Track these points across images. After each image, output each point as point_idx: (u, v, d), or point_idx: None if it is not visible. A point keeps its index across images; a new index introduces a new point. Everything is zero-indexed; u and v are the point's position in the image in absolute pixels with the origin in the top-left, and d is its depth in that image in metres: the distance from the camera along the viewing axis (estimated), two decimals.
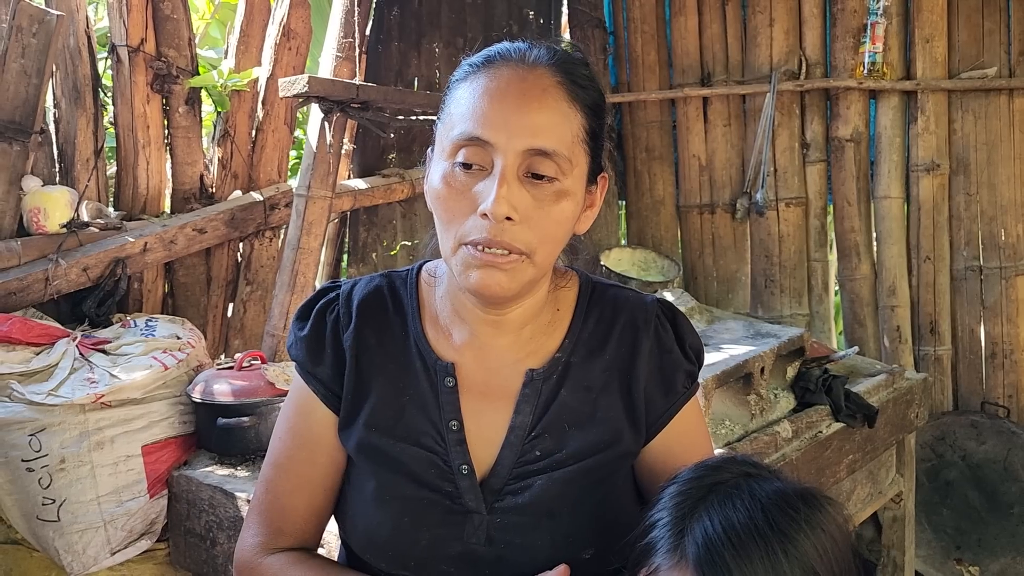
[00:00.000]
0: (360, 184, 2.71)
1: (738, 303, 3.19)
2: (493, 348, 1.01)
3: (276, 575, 1.02)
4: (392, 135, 2.72)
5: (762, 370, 2.05)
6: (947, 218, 2.97)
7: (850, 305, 3.08)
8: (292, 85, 2.01)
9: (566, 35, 3.41)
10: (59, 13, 2.08)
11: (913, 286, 3.01)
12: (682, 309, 2.51)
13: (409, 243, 3.06)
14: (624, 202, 3.39)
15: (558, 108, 0.92)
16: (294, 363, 1.07)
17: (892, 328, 3.00)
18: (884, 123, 2.97)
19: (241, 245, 2.56)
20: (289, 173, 2.66)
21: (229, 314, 2.63)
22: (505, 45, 0.98)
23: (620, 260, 3.04)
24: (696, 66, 3.18)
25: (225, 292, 2.58)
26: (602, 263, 2.92)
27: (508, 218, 0.89)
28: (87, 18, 2.24)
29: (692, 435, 1.08)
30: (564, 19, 3.43)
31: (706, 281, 3.24)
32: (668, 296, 2.62)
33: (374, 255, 2.96)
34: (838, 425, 2.19)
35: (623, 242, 3.37)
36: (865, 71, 2.92)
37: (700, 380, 1.90)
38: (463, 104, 0.93)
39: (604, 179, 1.00)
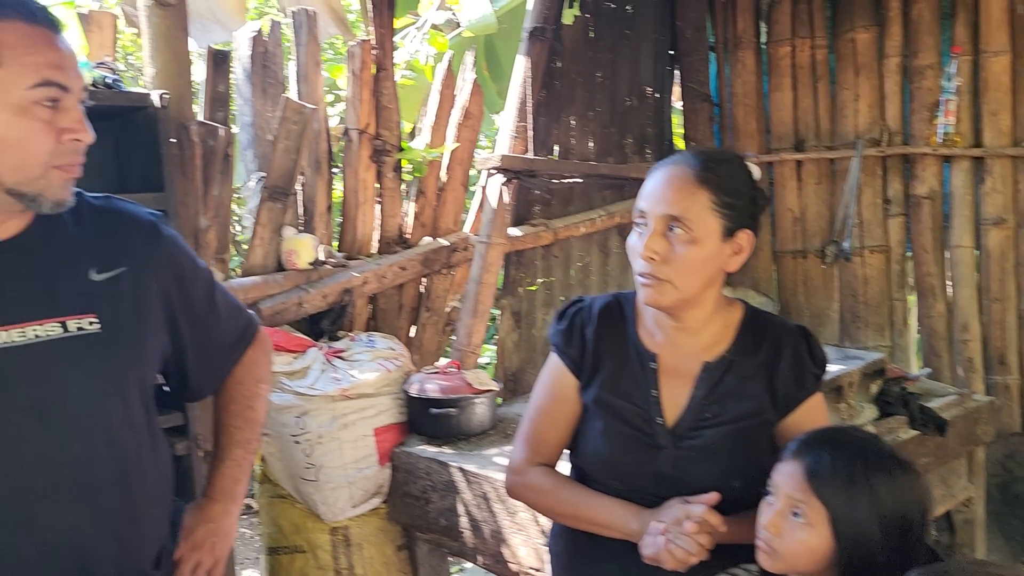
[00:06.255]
0: (516, 232, 3.37)
1: (828, 336, 3.70)
2: (681, 346, 1.53)
3: (534, 479, 1.58)
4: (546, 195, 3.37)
5: (850, 384, 2.59)
6: (1013, 265, 3.43)
7: (928, 339, 3.57)
8: (487, 161, 2.68)
9: (678, 105, 4.02)
10: (312, 106, 2.81)
11: (984, 323, 3.47)
12: None
13: (545, 280, 3.69)
14: None
15: (687, 189, 1.41)
16: (552, 346, 1.62)
17: (965, 359, 3.47)
18: (956, 183, 3.47)
19: (424, 280, 3.24)
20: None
21: (411, 335, 3.30)
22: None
23: None
24: (791, 134, 3.75)
25: (409, 317, 3.26)
26: None
27: (652, 258, 1.42)
28: (324, 108, 2.97)
29: (814, 418, 1.50)
30: (677, 94, 4.05)
31: (799, 316, 3.77)
32: None
33: (520, 289, 3.60)
34: (913, 432, 2.69)
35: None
36: (939, 140, 3.44)
37: None
38: (644, 188, 1.48)
39: (746, 233, 1.48)
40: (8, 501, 1.16)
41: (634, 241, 1.47)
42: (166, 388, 1.51)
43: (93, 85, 2.03)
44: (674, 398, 1.52)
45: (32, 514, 1.17)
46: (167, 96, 2.07)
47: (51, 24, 1.15)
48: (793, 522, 1.31)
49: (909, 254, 3.62)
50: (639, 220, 1.47)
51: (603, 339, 1.56)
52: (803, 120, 3.72)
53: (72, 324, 1.21)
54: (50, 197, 1.15)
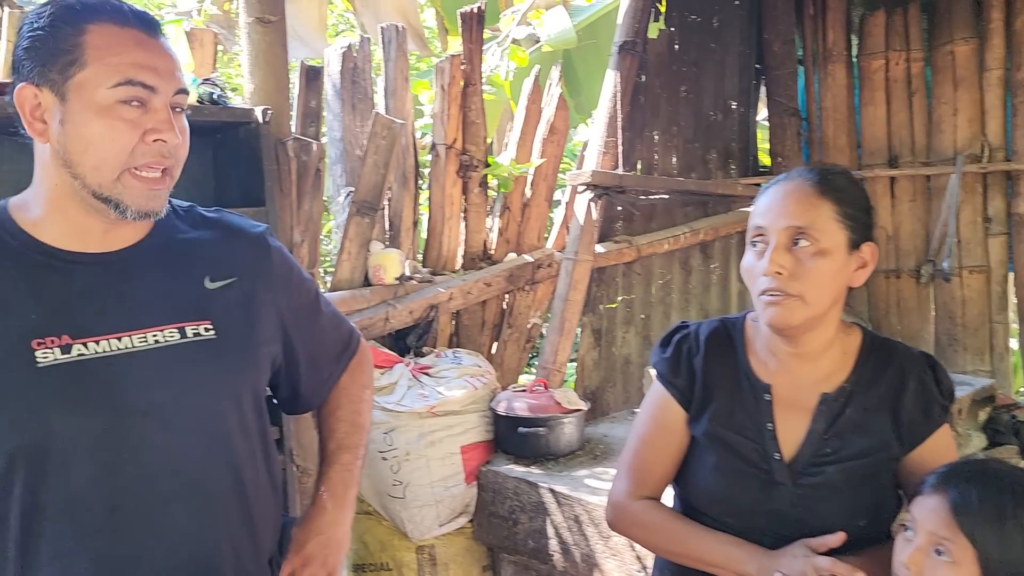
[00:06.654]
0: (599, 249, 3.31)
1: None
2: (797, 375, 1.45)
3: (640, 513, 1.51)
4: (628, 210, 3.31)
5: (959, 411, 2.46)
6: None
7: None
8: (578, 176, 2.64)
9: (765, 122, 3.93)
10: (401, 121, 2.81)
11: None
12: None
13: (626, 297, 3.63)
14: None
15: (809, 201, 1.38)
16: (656, 374, 1.58)
17: None
18: None
19: (507, 296, 3.21)
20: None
21: (493, 351, 3.27)
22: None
23: None
24: (884, 149, 3.63)
25: (491, 333, 3.23)
26: None
27: (779, 273, 1.35)
28: (412, 123, 2.98)
29: (942, 451, 1.41)
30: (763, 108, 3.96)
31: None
32: None
33: (601, 307, 3.54)
34: None
35: None
36: None
37: None
38: (759, 206, 1.42)
39: (869, 245, 1.40)
40: (132, 505, 1.16)
41: (752, 261, 1.39)
42: (274, 400, 1.50)
43: (199, 101, 2.05)
44: (790, 432, 1.44)
45: (155, 518, 1.17)
46: (270, 112, 2.08)
47: (145, 26, 1.15)
48: (936, 560, 1.23)
49: (1010, 274, 3.46)
50: (756, 238, 1.39)
51: (712, 368, 1.48)
52: (897, 135, 3.60)
53: (189, 330, 1.21)
54: (132, 205, 1.14)
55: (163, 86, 1.13)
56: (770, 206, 1.39)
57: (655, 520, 1.51)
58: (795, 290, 1.34)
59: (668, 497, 1.57)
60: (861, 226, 1.39)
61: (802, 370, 1.45)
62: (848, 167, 3.53)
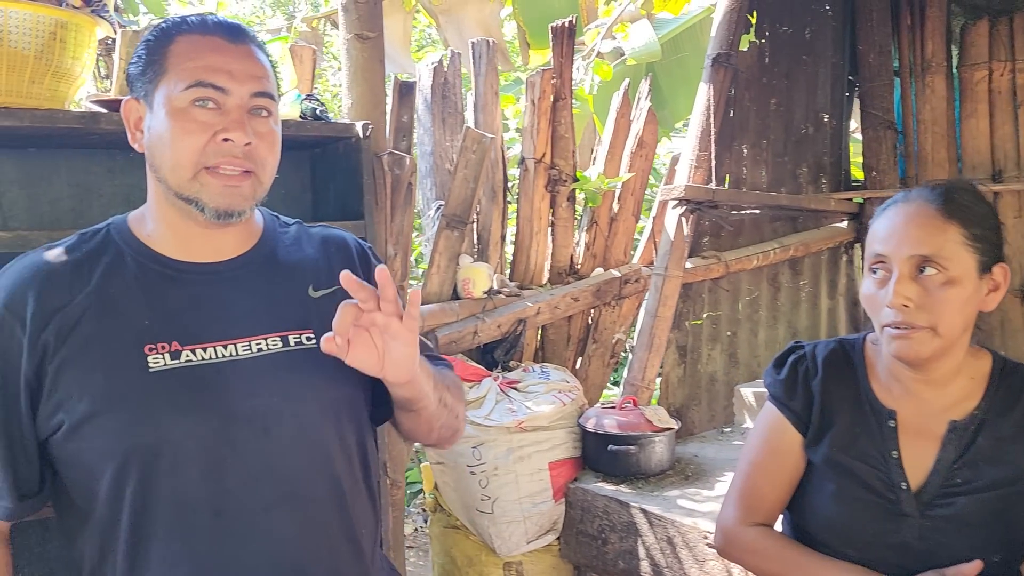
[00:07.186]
0: (687, 264, 3.26)
1: None
2: (924, 401, 1.39)
3: (753, 541, 1.46)
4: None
5: None
6: None
7: None
8: (671, 191, 2.60)
9: (858, 135, 3.81)
10: (491, 135, 2.81)
11: None
12: None
13: (712, 313, 3.55)
14: None
15: (934, 225, 1.31)
16: (770, 396, 1.54)
17: None
18: None
19: (592, 311, 3.18)
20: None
21: (577, 366, 3.24)
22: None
23: None
24: (987, 163, 3.48)
25: (576, 348, 3.20)
26: None
27: (905, 305, 1.29)
28: (502, 138, 2.98)
29: None
30: (856, 121, 3.84)
31: None
32: None
33: (687, 323, 3.48)
34: None
35: None
36: None
37: None
38: (878, 230, 1.35)
39: (1001, 267, 1.34)
40: (235, 510, 1.17)
41: (873, 290, 1.34)
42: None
43: (302, 116, 2.09)
44: (917, 460, 1.38)
45: (257, 525, 1.17)
46: (370, 127, 2.11)
47: (227, 33, 1.18)
48: None
49: None
50: (876, 266, 1.33)
51: (831, 391, 1.43)
52: (1001, 148, 3.45)
53: (292, 339, 1.23)
54: (210, 202, 1.16)
55: (236, 88, 1.15)
56: (891, 231, 1.33)
57: (771, 548, 1.46)
58: (924, 322, 1.28)
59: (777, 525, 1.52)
60: (991, 247, 1.32)
61: (929, 396, 1.39)
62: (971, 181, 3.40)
